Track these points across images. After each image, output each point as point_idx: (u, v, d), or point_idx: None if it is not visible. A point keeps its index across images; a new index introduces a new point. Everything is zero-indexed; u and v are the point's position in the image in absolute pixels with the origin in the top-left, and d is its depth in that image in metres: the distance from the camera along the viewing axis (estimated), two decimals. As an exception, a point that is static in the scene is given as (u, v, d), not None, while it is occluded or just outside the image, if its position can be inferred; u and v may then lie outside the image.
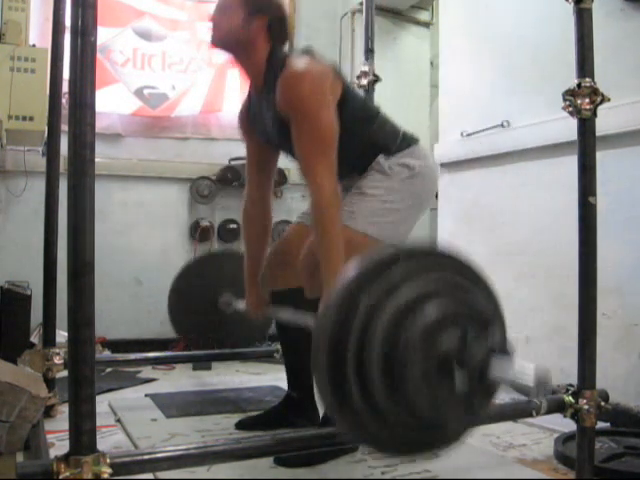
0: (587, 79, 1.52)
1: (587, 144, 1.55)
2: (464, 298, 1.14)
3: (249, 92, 2.01)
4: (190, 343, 2.65)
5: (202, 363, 3.12)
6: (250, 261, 2.11)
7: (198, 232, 3.77)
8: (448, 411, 1.09)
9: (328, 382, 1.08)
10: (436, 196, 3.38)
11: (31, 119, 2.97)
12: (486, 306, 1.18)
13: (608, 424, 2.06)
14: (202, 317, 2.56)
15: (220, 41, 1.85)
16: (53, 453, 1.17)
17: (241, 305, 2.30)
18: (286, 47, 1.91)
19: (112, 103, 3.65)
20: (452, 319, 1.09)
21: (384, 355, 1.06)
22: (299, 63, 1.75)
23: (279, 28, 1.86)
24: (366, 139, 1.87)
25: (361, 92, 2.55)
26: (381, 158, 1.87)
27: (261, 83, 1.87)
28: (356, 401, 1.07)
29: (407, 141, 1.92)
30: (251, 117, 2.00)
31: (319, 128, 1.70)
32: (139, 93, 3.76)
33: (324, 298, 1.64)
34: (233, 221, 3.84)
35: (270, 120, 1.85)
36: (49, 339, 2.10)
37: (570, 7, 1.54)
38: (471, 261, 1.21)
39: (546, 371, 1.02)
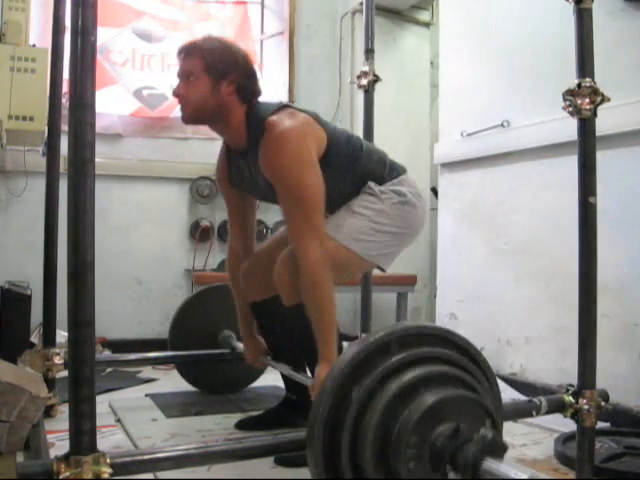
0: (587, 79, 1.51)
1: (587, 144, 1.55)
2: (458, 391, 1.15)
3: (226, 149, 1.98)
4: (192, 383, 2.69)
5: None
6: (243, 313, 2.12)
7: (198, 232, 3.77)
8: None
9: (324, 470, 1.11)
10: (436, 195, 3.38)
11: (31, 119, 2.97)
12: (482, 398, 1.18)
13: (608, 424, 2.07)
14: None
15: (191, 117, 1.82)
16: (53, 453, 1.17)
17: (240, 347, 2.36)
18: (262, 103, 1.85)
19: (111, 104, 3.65)
20: (445, 414, 1.10)
21: (377, 452, 1.09)
22: (279, 125, 1.70)
23: (250, 85, 1.81)
24: (356, 175, 1.88)
25: (360, 94, 2.55)
26: (372, 183, 1.88)
27: (244, 144, 1.83)
28: None
29: (396, 170, 1.94)
30: (234, 173, 1.97)
31: (304, 197, 1.69)
32: (138, 94, 3.77)
33: (319, 371, 1.66)
34: (233, 221, 3.84)
35: (262, 179, 1.81)
36: (49, 339, 2.10)
37: (570, 7, 1.54)
38: (469, 344, 1.22)
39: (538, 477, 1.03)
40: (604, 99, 1.52)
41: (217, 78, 1.76)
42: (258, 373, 2.66)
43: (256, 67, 1.89)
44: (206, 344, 2.57)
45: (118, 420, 2.18)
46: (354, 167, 1.87)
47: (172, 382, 2.86)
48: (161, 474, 1.45)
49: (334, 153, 1.80)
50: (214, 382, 2.61)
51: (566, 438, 1.89)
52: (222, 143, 2.01)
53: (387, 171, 1.91)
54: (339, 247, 1.80)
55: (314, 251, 1.68)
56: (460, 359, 1.21)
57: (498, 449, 1.09)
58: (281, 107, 1.79)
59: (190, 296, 2.84)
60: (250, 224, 2.09)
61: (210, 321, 2.60)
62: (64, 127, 1.69)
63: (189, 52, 1.79)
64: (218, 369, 2.59)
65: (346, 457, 1.10)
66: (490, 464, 1.06)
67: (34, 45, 3.20)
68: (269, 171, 1.73)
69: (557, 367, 2.43)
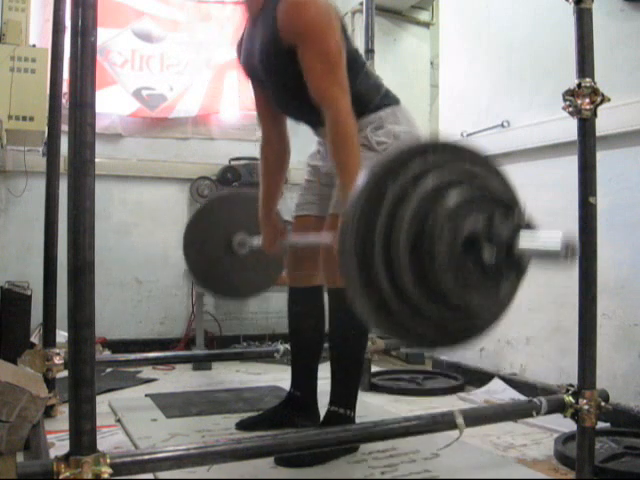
0: (587, 79, 1.52)
1: (587, 144, 1.55)
2: (485, 185, 1.16)
3: (245, 25, 1.98)
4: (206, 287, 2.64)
5: (202, 363, 3.12)
6: (265, 192, 2.08)
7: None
8: (476, 291, 1.09)
9: (356, 266, 1.08)
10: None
11: (31, 119, 2.97)
12: (506, 191, 1.20)
13: (608, 424, 2.06)
14: (216, 260, 2.46)
15: None
16: (53, 453, 1.17)
17: (256, 242, 2.25)
18: None
19: (110, 105, 3.65)
20: (477, 203, 1.11)
21: (412, 235, 1.06)
22: None
23: None
24: (351, 87, 1.81)
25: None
26: (369, 131, 1.85)
27: (257, 10, 1.83)
28: (383, 286, 1.07)
29: (389, 99, 1.93)
30: (243, 52, 1.97)
31: (328, 49, 1.70)
32: (137, 94, 3.76)
33: (341, 196, 1.65)
34: (233, 221, 3.84)
35: (262, 49, 1.81)
36: (49, 339, 2.10)
37: (570, 7, 1.54)
38: (486, 153, 1.24)
39: (573, 237, 1.02)
40: (604, 99, 1.52)
41: None
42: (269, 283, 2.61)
43: None
44: (221, 250, 2.47)
45: (118, 420, 2.18)
46: (352, 79, 1.81)
47: (172, 382, 2.87)
48: (161, 474, 1.45)
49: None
50: (225, 285, 2.55)
51: (566, 438, 1.89)
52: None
53: (380, 97, 1.91)
54: None
55: (342, 100, 1.68)
56: (482, 162, 1.23)
57: (530, 224, 1.10)
58: None
59: (203, 203, 2.75)
60: (279, 113, 2.05)
61: (224, 227, 2.48)
62: (64, 127, 1.69)
63: None
64: (230, 275, 2.53)
65: (379, 252, 1.07)
66: (524, 235, 1.07)
67: (34, 45, 3.20)
68: (292, 29, 1.71)
69: (557, 367, 2.43)
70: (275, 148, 2.06)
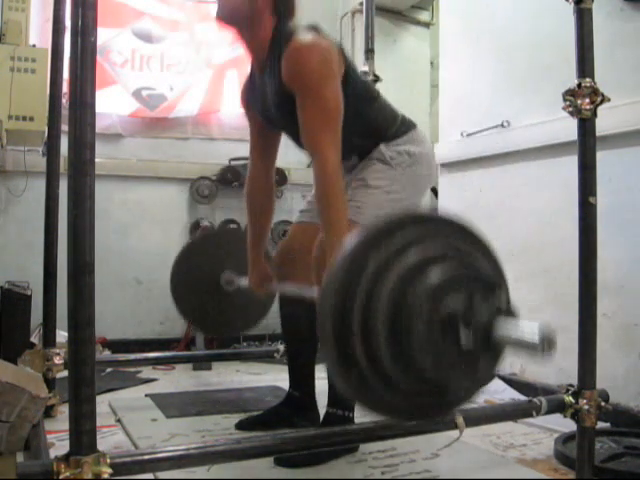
0: (587, 79, 1.52)
1: (587, 144, 1.55)
2: (469, 262, 1.15)
3: (251, 70, 1.97)
4: (194, 324, 2.68)
5: (202, 363, 3.12)
6: (253, 234, 2.09)
7: (198, 232, 3.77)
8: (453, 371, 1.08)
9: (334, 348, 1.08)
10: (436, 195, 3.38)
11: (31, 119, 2.97)
12: (490, 271, 1.19)
13: (608, 424, 2.07)
14: (205, 297, 2.51)
15: (225, 15, 1.79)
16: (53, 453, 1.17)
17: (244, 282, 2.25)
18: (292, 22, 1.85)
19: (110, 105, 3.64)
20: (458, 282, 1.10)
21: (390, 317, 1.06)
22: (305, 37, 1.72)
23: (286, 2, 1.83)
24: (366, 119, 1.86)
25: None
26: (382, 147, 1.87)
27: (264, 59, 1.82)
28: (362, 365, 1.07)
29: (406, 125, 1.94)
30: (251, 96, 1.97)
31: (326, 101, 1.68)
32: (137, 94, 3.76)
33: (328, 265, 1.64)
34: (233, 221, 3.83)
35: (271, 98, 1.82)
36: (49, 339, 2.10)
37: (570, 7, 1.54)
38: (475, 228, 1.22)
39: (551, 329, 1.02)
40: (604, 99, 1.52)
41: None
42: (259, 315, 2.63)
43: None
44: (209, 287, 2.51)
45: (118, 420, 2.18)
46: (367, 111, 1.85)
47: (172, 382, 2.87)
48: (161, 474, 1.45)
49: (350, 84, 1.79)
50: (214, 322, 2.59)
51: (566, 438, 1.89)
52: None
53: (397, 127, 1.91)
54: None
55: (332, 157, 1.66)
56: (468, 237, 1.20)
57: (510, 310, 1.11)
58: (310, 27, 1.80)
59: (189, 241, 2.80)
60: (271, 153, 2.07)
61: (211, 264, 2.53)
62: (64, 127, 1.69)
63: None
64: (220, 311, 2.56)
65: (358, 332, 1.07)
66: (503, 322, 1.07)
67: (34, 45, 3.20)
68: (291, 77, 1.71)
69: (557, 367, 2.43)
70: (262, 185, 2.06)
